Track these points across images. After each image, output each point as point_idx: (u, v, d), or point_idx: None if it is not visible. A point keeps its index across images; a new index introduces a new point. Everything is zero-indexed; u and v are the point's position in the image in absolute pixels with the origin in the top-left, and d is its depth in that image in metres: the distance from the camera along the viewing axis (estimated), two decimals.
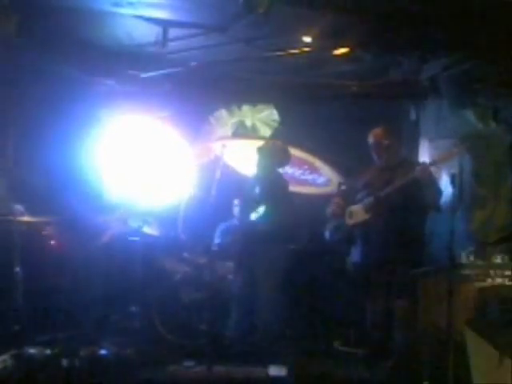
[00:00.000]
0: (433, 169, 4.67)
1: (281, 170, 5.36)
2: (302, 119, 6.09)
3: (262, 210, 4.92)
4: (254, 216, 5.00)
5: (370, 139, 4.84)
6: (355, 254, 4.83)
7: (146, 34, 4.92)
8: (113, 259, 5.51)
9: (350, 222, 4.85)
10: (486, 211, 4.92)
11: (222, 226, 5.84)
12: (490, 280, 3.86)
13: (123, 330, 5.22)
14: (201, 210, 5.26)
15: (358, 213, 4.79)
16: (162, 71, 5.58)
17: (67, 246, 5.36)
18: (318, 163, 6.46)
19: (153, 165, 6.20)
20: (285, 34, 4.79)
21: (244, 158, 6.06)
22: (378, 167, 4.85)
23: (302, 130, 6.20)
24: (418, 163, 4.79)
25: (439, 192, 4.62)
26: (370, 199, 4.69)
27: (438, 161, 4.62)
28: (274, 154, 5.18)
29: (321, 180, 6.46)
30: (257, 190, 5.06)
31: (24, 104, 5.46)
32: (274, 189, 5.02)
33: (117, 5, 4.38)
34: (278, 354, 4.75)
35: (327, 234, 5.05)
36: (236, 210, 5.64)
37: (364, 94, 5.76)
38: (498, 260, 4.02)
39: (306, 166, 6.49)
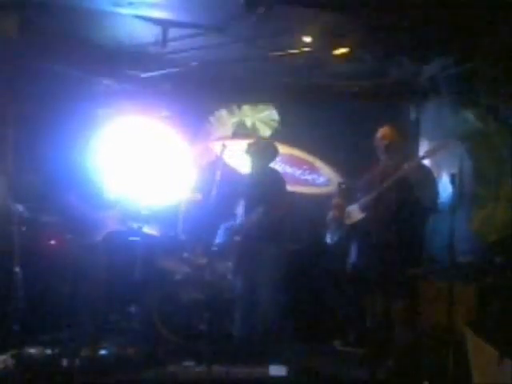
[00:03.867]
0: (431, 169, 4.67)
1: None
2: (302, 119, 6.09)
3: (260, 209, 4.93)
4: (252, 215, 5.00)
5: (376, 138, 4.83)
6: (354, 254, 4.83)
7: (146, 33, 4.92)
8: (111, 259, 5.51)
9: (347, 222, 4.86)
10: (486, 211, 4.91)
11: (225, 226, 5.81)
12: (490, 280, 3.86)
13: (123, 330, 5.22)
14: (201, 210, 5.26)
15: (354, 213, 4.80)
16: (162, 71, 5.58)
17: (67, 246, 5.35)
18: (318, 163, 6.46)
19: (153, 164, 6.20)
20: (285, 34, 4.80)
21: (244, 157, 6.05)
22: (381, 166, 4.85)
23: (302, 130, 6.20)
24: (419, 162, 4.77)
25: (436, 192, 4.61)
26: (366, 198, 4.70)
27: (426, 155, 4.63)
28: (262, 152, 5.19)
29: (321, 180, 6.46)
30: (252, 189, 5.06)
31: (24, 103, 5.45)
32: (269, 187, 5.02)
33: (117, 5, 4.39)
34: (278, 353, 4.75)
35: (327, 235, 5.05)
36: (238, 210, 5.63)
37: (364, 94, 5.76)
38: (498, 260, 4.03)
39: (306, 166, 6.49)
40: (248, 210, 5.07)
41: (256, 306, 4.98)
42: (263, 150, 5.22)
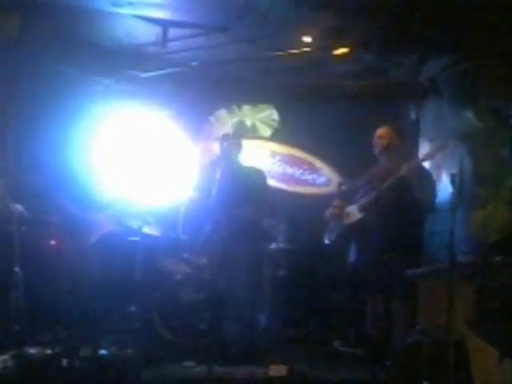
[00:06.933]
0: (430, 169, 4.67)
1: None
2: (302, 119, 6.09)
3: (235, 206, 4.89)
4: (231, 213, 4.96)
5: (374, 138, 4.83)
6: (352, 254, 4.84)
7: (146, 34, 4.92)
8: (111, 259, 5.51)
9: (346, 222, 4.86)
10: (486, 211, 4.91)
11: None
12: (490, 280, 3.86)
13: (123, 330, 5.22)
14: (201, 210, 5.26)
15: (352, 213, 4.80)
16: (162, 71, 5.58)
17: (66, 246, 5.35)
18: (318, 163, 6.47)
19: (154, 164, 6.20)
20: (285, 34, 4.80)
21: (244, 157, 6.05)
22: (379, 167, 4.85)
23: (302, 130, 6.20)
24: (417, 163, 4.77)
25: (434, 192, 4.61)
26: (365, 199, 4.70)
27: (424, 158, 4.63)
28: (229, 147, 5.03)
29: (321, 180, 6.46)
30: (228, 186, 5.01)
31: (23, 103, 5.45)
32: (245, 183, 4.97)
33: (117, 5, 4.39)
34: (278, 354, 4.74)
35: (326, 235, 5.05)
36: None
37: (364, 94, 5.76)
38: (498, 260, 4.02)
39: (306, 166, 6.49)
40: (227, 207, 5.00)
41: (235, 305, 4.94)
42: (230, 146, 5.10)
